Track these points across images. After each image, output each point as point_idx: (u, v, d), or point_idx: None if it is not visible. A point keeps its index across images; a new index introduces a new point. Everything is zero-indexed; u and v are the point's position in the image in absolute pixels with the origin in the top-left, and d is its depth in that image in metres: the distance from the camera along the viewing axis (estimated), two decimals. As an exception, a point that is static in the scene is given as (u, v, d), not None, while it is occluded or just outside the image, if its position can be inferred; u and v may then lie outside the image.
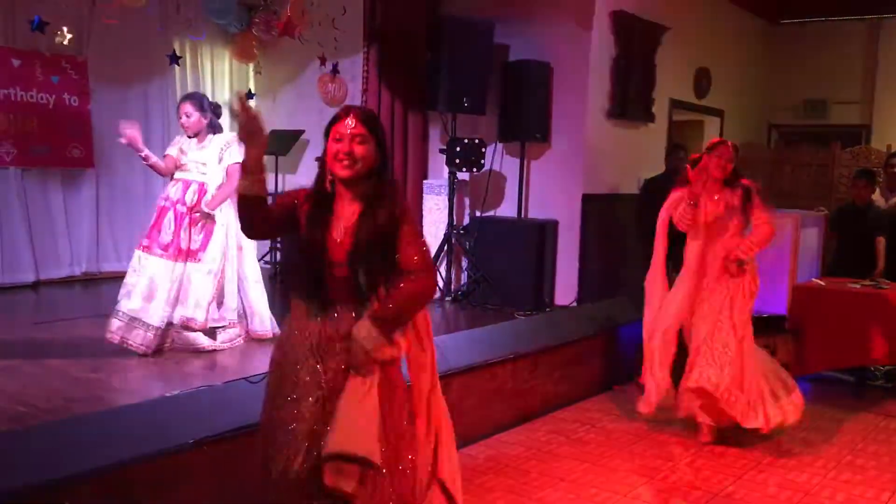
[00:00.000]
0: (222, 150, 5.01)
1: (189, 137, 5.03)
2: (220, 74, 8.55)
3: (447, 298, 6.81)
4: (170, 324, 4.80)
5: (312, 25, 7.11)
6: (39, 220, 7.02)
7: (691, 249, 4.89)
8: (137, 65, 7.61)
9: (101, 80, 7.30)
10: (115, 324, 4.73)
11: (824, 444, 4.93)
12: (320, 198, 2.56)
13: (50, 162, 7.05)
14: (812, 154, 9.02)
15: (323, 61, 7.59)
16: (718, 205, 4.81)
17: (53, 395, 3.93)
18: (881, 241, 6.58)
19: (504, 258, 6.61)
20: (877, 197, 6.92)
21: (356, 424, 2.43)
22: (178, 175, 5.03)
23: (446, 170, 6.81)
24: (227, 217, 4.94)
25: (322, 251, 2.51)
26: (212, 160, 4.98)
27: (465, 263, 7.00)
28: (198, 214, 4.88)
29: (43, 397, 3.86)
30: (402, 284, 2.47)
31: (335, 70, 7.60)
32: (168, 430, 3.27)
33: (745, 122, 9.74)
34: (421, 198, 7.09)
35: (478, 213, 7.20)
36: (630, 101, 7.16)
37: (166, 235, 4.84)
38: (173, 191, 4.97)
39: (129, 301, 4.75)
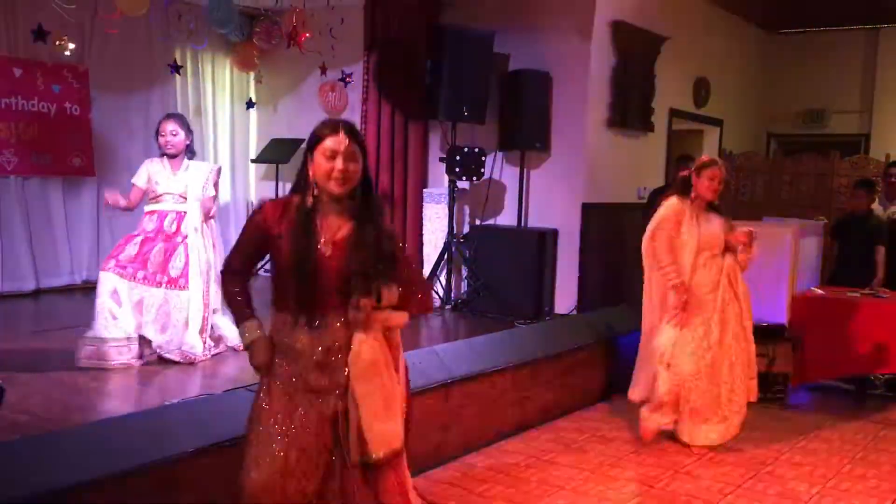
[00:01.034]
0: (207, 181, 4.93)
1: (169, 157, 4.90)
2: (221, 83, 8.57)
3: (447, 307, 6.81)
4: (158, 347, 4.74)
5: (313, 35, 7.14)
6: (40, 228, 7.03)
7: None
8: (138, 74, 7.64)
9: (102, 89, 7.32)
10: (91, 349, 4.58)
11: (825, 452, 4.92)
12: (305, 213, 2.57)
13: (51, 170, 7.06)
14: (811, 163, 9.04)
15: (324, 70, 7.62)
16: (713, 226, 4.75)
17: (53, 404, 3.93)
18: (881, 251, 6.59)
19: (504, 267, 6.61)
20: (876, 206, 6.93)
21: (386, 427, 2.57)
22: (151, 207, 4.89)
23: (446, 178, 6.83)
24: (199, 240, 4.85)
25: (314, 265, 2.54)
26: (193, 189, 4.87)
27: (464, 272, 7.00)
28: (178, 240, 4.79)
29: (42, 406, 3.86)
30: (413, 302, 2.65)
31: (343, 79, 7.61)
32: (167, 439, 3.27)
33: (744, 132, 9.77)
34: (421, 206, 7.10)
35: (478, 222, 7.21)
36: (629, 111, 7.18)
37: (128, 255, 4.72)
38: (150, 225, 4.84)
39: (115, 326, 4.61)
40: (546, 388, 5.41)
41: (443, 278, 6.88)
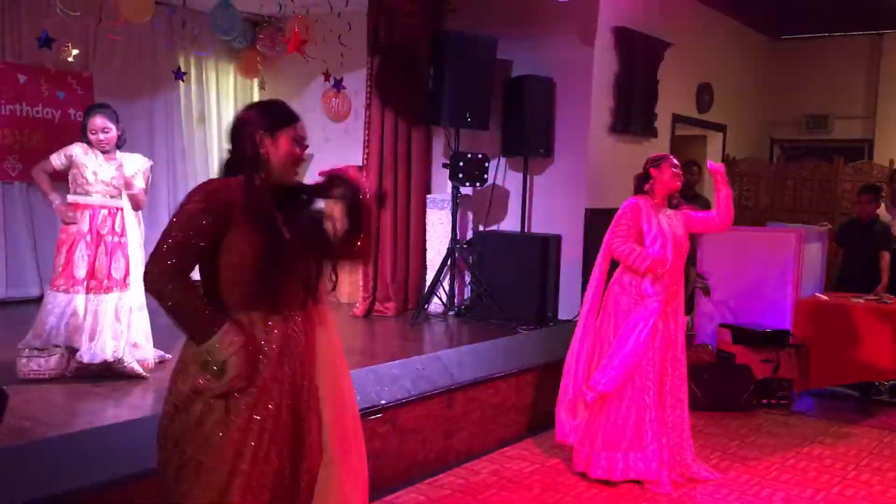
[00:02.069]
0: (138, 172, 4.64)
1: (114, 153, 4.61)
2: (224, 90, 8.60)
3: (450, 313, 6.81)
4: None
5: (317, 42, 7.16)
6: (44, 233, 7.02)
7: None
8: (142, 80, 7.66)
9: (106, 96, 7.31)
10: (40, 362, 4.41)
11: (829, 458, 4.91)
12: (268, 195, 2.35)
13: (56, 176, 7.07)
14: (815, 169, 9.03)
15: (327, 77, 7.63)
16: (677, 227, 4.53)
17: (56, 410, 3.94)
18: (885, 257, 6.58)
19: (507, 273, 6.61)
20: (881, 212, 6.93)
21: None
22: (79, 200, 4.55)
23: (449, 184, 6.83)
24: (136, 236, 4.63)
25: (286, 252, 2.34)
26: (134, 184, 4.58)
27: (468, 278, 7.00)
28: (112, 239, 4.53)
29: (46, 411, 3.86)
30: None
31: (339, 85, 7.64)
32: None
33: (747, 137, 9.76)
34: (424, 212, 7.11)
35: (481, 228, 7.21)
36: (633, 117, 7.18)
37: (80, 270, 4.47)
38: (84, 226, 4.51)
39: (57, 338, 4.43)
40: (550, 395, 5.39)
41: (446, 284, 6.88)
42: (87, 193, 4.58)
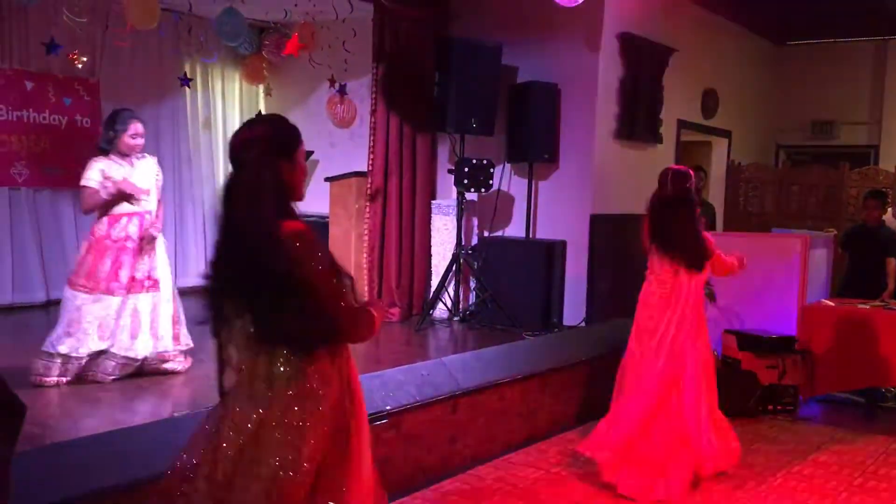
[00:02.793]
0: (158, 172, 4.85)
1: (135, 157, 4.72)
2: (230, 96, 8.63)
3: (455, 318, 6.81)
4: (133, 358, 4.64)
5: (322, 48, 7.18)
6: (51, 239, 7.07)
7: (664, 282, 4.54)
8: (149, 86, 7.69)
9: (112, 102, 7.33)
10: (60, 367, 4.45)
11: (835, 465, 4.89)
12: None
13: (61, 183, 7.11)
14: (820, 175, 9.02)
15: (332, 83, 7.65)
16: None
17: (64, 415, 3.95)
18: (892, 262, 6.57)
19: (512, 278, 6.61)
20: (888, 217, 6.91)
21: None
22: (114, 210, 4.64)
23: (454, 190, 6.84)
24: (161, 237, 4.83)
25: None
26: (152, 186, 4.77)
27: (472, 283, 7.00)
28: (146, 242, 4.67)
29: (53, 417, 3.88)
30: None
31: (343, 91, 7.66)
32: (178, 450, 3.27)
33: (752, 143, 9.76)
34: (429, 218, 7.12)
35: (486, 234, 7.21)
36: (638, 122, 7.19)
37: (113, 272, 4.57)
38: (116, 230, 4.62)
39: (85, 343, 4.50)
40: (555, 401, 5.40)
41: (451, 290, 6.88)
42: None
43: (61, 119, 7.07)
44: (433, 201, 7.18)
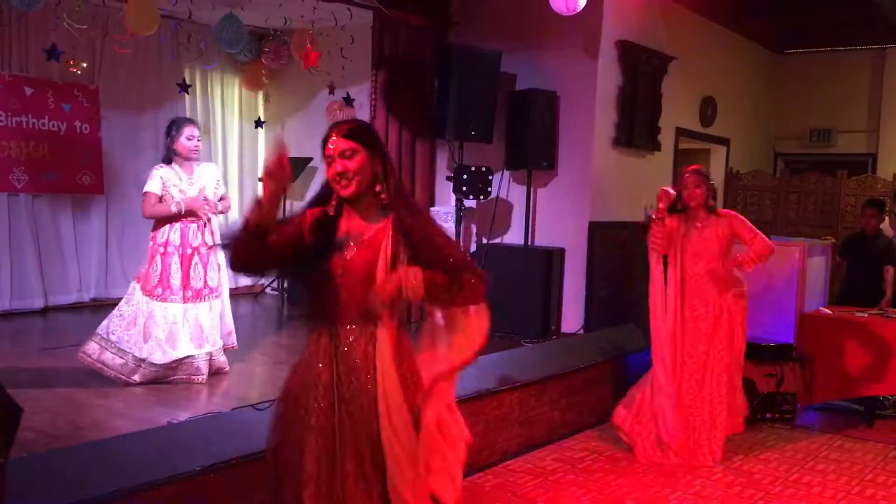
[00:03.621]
0: (218, 183, 4.99)
1: (192, 161, 4.89)
2: (229, 102, 8.63)
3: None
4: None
5: (322, 55, 7.19)
6: (49, 246, 7.06)
7: (671, 277, 4.93)
8: (148, 93, 7.70)
9: (112, 108, 7.37)
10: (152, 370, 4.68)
11: (833, 473, 4.89)
12: (326, 221, 2.46)
13: (60, 188, 7.11)
14: (818, 183, 9.04)
15: (332, 90, 7.66)
16: (703, 232, 4.92)
17: (61, 422, 3.94)
18: (890, 271, 6.58)
19: (511, 285, 6.59)
20: (885, 226, 6.92)
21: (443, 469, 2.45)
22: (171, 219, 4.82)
23: (453, 197, 6.84)
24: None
25: (337, 272, 2.42)
26: (209, 192, 4.90)
27: (471, 290, 6.99)
28: (206, 250, 4.80)
29: (51, 423, 3.87)
30: (459, 293, 2.45)
31: (348, 101, 7.66)
32: (175, 457, 3.27)
33: (750, 151, 9.78)
34: (428, 225, 7.11)
35: (484, 241, 7.21)
36: (636, 130, 7.20)
37: (175, 280, 4.73)
38: (175, 236, 4.77)
39: (166, 350, 4.67)
40: (552, 408, 5.39)
41: (449, 297, 6.87)
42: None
43: (60, 125, 7.07)
44: (432, 208, 7.18)
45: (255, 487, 3.22)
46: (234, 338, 5.08)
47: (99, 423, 4.03)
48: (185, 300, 4.74)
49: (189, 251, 4.78)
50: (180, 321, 4.72)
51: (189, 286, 4.76)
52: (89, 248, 7.37)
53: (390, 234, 2.43)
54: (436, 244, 2.45)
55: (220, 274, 4.91)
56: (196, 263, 4.80)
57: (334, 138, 2.42)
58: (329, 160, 2.42)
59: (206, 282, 4.83)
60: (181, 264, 4.75)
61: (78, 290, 7.29)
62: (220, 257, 4.86)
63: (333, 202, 2.47)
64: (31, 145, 6.88)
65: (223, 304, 4.98)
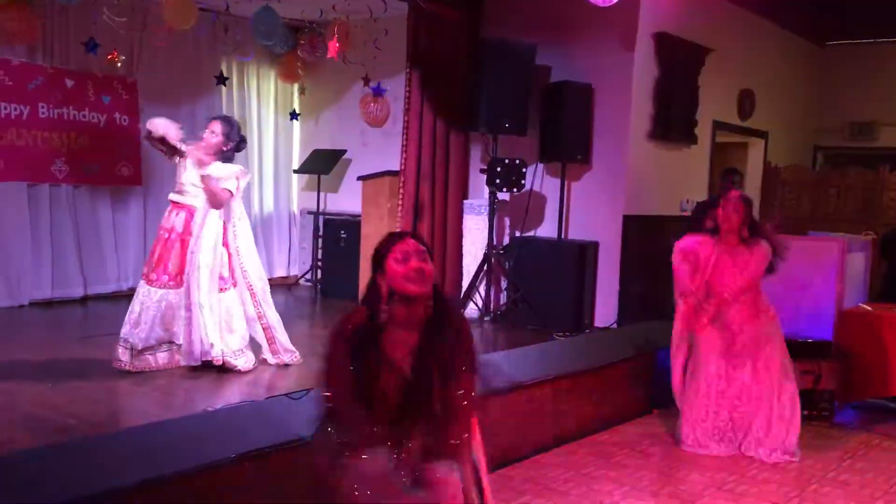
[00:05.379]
0: (229, 175, 4.93)
1: (218, 158, 4.97)
2: (265, 94, 8.72)
3: (486, 318, 6.81)
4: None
5: (356, 47, 7.22)
6: (88, 235, 7.19)
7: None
8: (185, 85, 7.80)
9: (150, 100, 7.47)
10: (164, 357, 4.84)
11: (871, 472, 4.81)
12: (371, 329, 2.51)
13: (100, 180, 7.23)
14: (859, 177, 8.87)
15: (367, 82, 7.69)
16: (735, 260, 4.85)
17: (99, 409, 4.01)
18: (932, 267, 6.44)
19: (544, 279, 6.59)
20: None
21: None
22: (177, 199, 4.98)
23: (487, 190, 6.84)
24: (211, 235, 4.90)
25: (378, 381, 2.47)
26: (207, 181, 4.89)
27: (504, 284, 7.00)
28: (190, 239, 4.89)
29: (89, 410, 3.94)
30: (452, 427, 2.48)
31: (378, 90, 7.68)
32: (210, 445, 3.31)
33: (789, 145, 9.62)
34: (461, 218, 7.12)
35: (518, 234, 7.20)
36: (672, 123, 7.13)
37: (172, 267, 4.85)
38: (178, 221, 4.91)
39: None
40: (585, 402, 5.37)
41: (482, 290, 6.88)
42: (179, 193, 5.00)
43: (100, 117, 7.18)
44: (465, 201, 7.19)
45: (288, 475, 3.25)
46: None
47: (136, 411, 4.10)
48: (178, 285, 4.82)
49: (174, 236, 4.88)
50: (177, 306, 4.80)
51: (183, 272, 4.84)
52: (127, 239, 7.49)
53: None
54: (459, 377, 2.50)
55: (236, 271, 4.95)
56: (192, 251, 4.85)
57: (410, 240, 2.55)
58: (405, 256, 2.50)
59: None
60: (181, 251, 4.84)
61: (116, 280, 7.42)
62: (247, 255, 4.98)
63: (384, 308, 2.51)
64: (72, 137, 7.00)
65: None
